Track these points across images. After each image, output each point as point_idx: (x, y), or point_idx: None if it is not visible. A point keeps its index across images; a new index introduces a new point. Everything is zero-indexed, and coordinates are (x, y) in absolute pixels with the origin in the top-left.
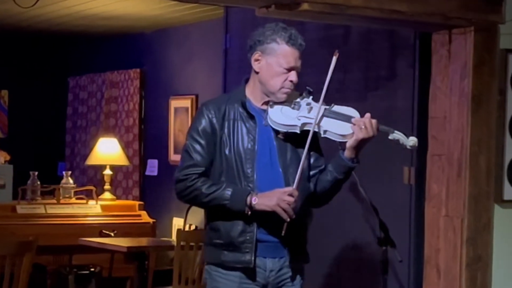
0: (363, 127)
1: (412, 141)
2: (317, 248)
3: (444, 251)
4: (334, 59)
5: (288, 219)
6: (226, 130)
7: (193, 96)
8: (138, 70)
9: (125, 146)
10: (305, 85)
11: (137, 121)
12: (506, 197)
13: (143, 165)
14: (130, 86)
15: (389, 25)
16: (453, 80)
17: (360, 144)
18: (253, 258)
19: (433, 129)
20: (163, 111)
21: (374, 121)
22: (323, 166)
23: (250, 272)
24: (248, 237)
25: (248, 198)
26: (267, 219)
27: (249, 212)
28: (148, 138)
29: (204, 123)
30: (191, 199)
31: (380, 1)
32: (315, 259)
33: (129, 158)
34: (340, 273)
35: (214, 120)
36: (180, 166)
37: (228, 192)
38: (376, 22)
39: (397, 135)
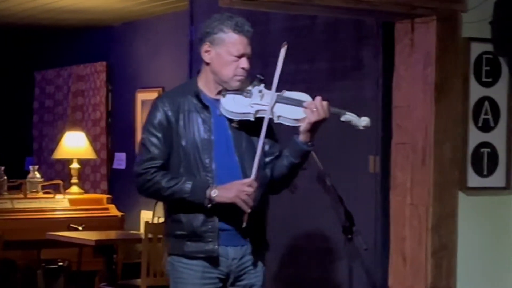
0: (314, 109)
1: (364, 121)
2: (284, 237)
3: (410, 239)
4: (283, 50)
5: (249, 210)
6: (181, 122)
7: (160, 89)
8: (104, 63)
9: (93, 139)
10: (273, 75)
11: (104, 115)
12: (470, 184)
13: (110, 158)
14: (97, 79)
15: (353, 15)
16: (417, 69)
17: (314, 127)
18: (216, 247)
19: (397, 118)
20: (130, 104)
21: (325, 103)
22: (278, 152)
23: (213, 261)
24: (210, 226)
25: (208, 191)
26: (228, 208)
27: (209, 205)
28: (116, 131)
29: (159, 116)
30: (151, 193)
31: None
32: (282, 248)
33: (96, 151)
34: (307, 262)
35: (170, 113)
36: (138, 160)
37: (188, 185)
38: (341, 12)
39: (349, 116)
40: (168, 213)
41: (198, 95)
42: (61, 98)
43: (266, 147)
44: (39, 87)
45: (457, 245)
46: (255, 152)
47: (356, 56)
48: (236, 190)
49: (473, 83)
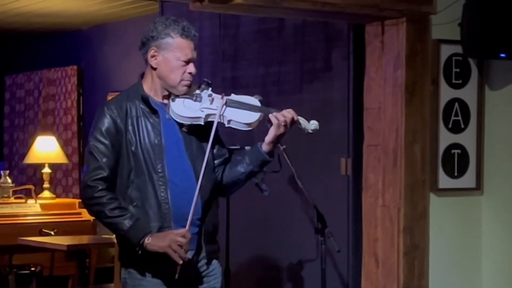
0: (283, 124)
1: (313, 124)
2: (255, 240)
3: (382, 240)
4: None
5: (181, 262)
6: (130, 128)
7: None
8: (75, 67)
9: (64, 144)
10: (243, 77)
11: (75, 119)
12: (441, 185)
13: (82, 162)
14: (68, 83)
15: (323, 17)
16: (387, 71)
17: (278, 139)
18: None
19: (368, 120)
20: None
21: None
22: (227, 155)
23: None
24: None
25: (143, 239)
26: (181, 216)
27: (140, 251)
28: (87, 136)
29: (107, 123)
30: (93, 212)
31: None
32: (254, 251)
33: (68, 156)
34: (280, 265)
35: (118, 120)
36: (86, 170)
37: (128, 224)
38: (310, 14)
39: (299, 119)
40: (120, 244)
41: (145, 100)
42: (32, 102)
43: (214, 151)
44: (9, 91)
45: (429, 246)
46: (204, 156)
47: (326, 58)
48: (169, 240)
49: (443, 85)
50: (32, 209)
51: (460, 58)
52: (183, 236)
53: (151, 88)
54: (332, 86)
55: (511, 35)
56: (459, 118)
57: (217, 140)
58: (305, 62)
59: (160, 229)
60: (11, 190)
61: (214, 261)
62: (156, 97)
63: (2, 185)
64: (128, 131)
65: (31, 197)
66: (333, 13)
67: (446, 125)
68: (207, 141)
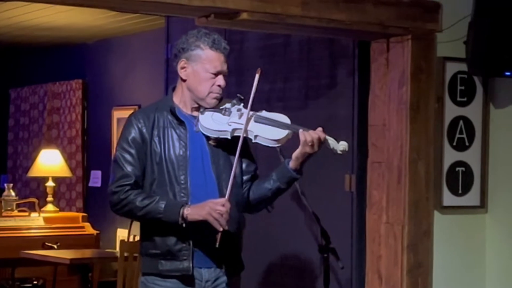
0: (310, 144)
1: (342, 145)
2: (259, 256)
3: (386, 258)
4: (257, 76)
5: (221, 229)
6: (156, 138)
7: (136, 107)
8: (80, 81)
9: (68, 157)
10: (248, 93)
11: (79, 132)
12: (446, 203)
13: (86, 176)
14: (73, 97)
15: (328, 34)
16: (392, 88)
17: (306, 157)
18: (191, 265)
19: (373, 137)
20: (106, 121)
21: (322, 137)
22: (254, 172)
23: (187, 281)
24: (184, 245)
25: (181, 210)
26: (202, 228)
27: (184, 224)
28: (91, 149)
29: (133, 133)
30: (125, 212)
31: (319, 10)
32: (258, 267)
33: (72, 169)
34: (283, 281)
35: (144, 130)
36: (112, 179)
37: (162, 205)
38: (315, 31)
39: (328, 139)
40: (142, 232)
41: (173, 111)
42: (36, 115)
43: (243, 166)
44: (14, 104)
45: (433, 264)
46: (231, 171)
47: (331, 74)
48: (209, 208)
49: (448, 103)
50: (35, 222)
51: (465, 76)
52: (223, 205)
53: (181, 100)
54: (337, 102)
55: None
56: (464, 135)
57: (247, 156)
58: (310, 79)
59: (178, 241)
60: (14, 203)
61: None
62: (185, 109)
63: (5, 198)
64: (153, 141)
65: (34, 210)
66: (338, 30)
67: (450, 142)
68: (234, 157)
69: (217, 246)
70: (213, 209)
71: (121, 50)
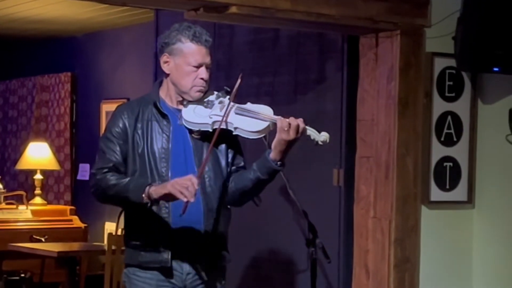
0: (286, 129)
1: (323, 136)
2: (247, 250)
3: (373, 252)
4: (238, 81)
5: (185, 200)
6: (139, 131)
7: (125, 100)
8: (69, 73)
9: (57, 150)
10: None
11: (68, 125)
12: (433, 198)
13: (74, 169)
14: (61, 90)
15: (318, 28)
16: (380, 83)
17: (284, 147)
18: (169, 257)
19: (361, 132)
20: (95, 115)
21: (301, 124)
22: (241, 164)
23: (167, 273)
24: (163, 237)
25: (146, 188)
26: (182, 222)
27: (149, 203)
28: (80, 142)
29: (117, 124)
30: (101, 194)
31: (308, 4)
32: (245, 261)
33: (60, 162)
34: (271, 275)
35: (128, 122)
36: (94, 165)
37: (130, 184)
38: (304, 25)
39: (308, 130)
40: (125, 224)
41: (156, 104)
42: (25, 108)
43: (229, 158)
44: (2, 97)
45: (420, 259)
46: (215, 163)
47: (320, 69)
48: (173, 182)
49: (436, 98)
50: (23, 215)
51: (454, 71)
52: (189, 180)
53: (166, 93)
54: (326, 97)
55: (504, 49)
56: (452, 131)
57: (235, 148)
58: (299, 73)
59: (158, 233)
60: (2, 196)
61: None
62: (170, 102)
63: None
64: (137, 133)
65: (22, 203)
66: (327, 24)
67: (438, 138)
68: (219, 149)
69: (182, 214)
70: (177, 182)
71: (110, 43)
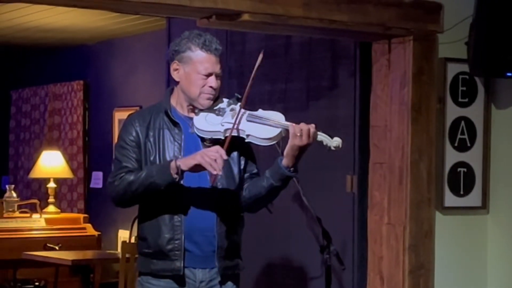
0: (298, 134)
1: (336, 141)
2: (260, 257)
3: (387, 259)
4: (260, 57)
5: (215, 172)
6: (151, 139)
7: (137, 108)
8: (81, 82)
9: (69, 158)
10: (250, 94)
11: (81, 133)
12: (447, 204)
13: (87, 177)
14: (74, 98)
15: (330, 35)
16: (393, 89)
17: (297, 153)
18: (182, 265)
19: (374, 138)
20: (107, 123)
21: (312, 129)
22: (255, 171)
23: (180, 281)
24: (176, 245)
25: (172, 163)
26: (194, 230)
27: (177, 178)
28: (93, 150)
29: (130, 132)
30: (122, 195)
31: (320, 11)
32: (259, 268)
33: (73, 170)
34: (284, 282)
35: (140, 130)
36: (111, 174)
37: (153, 169)
38: (317, 32)
39: (320, 136)
40: (138, 232)
41: (168, 112)
42: (37, 117)
43: (242, 164)
44: (15, 105)
45: (434, 265)
46: (228, 170)
47: (332, 75)
48: (202, 153)
49: (450, 103)
50: (36, 223)
51: (467, 76)
52: (216, 151)
53: (177, 101)
54: (338, 103)
55: None
56: (465, 136)
57: (248, 155)
58: (311, 80)
59: (170, 241)
60: (16, 205)
61: (229, 283)
62: (181, 110)
63: (7, 199)
64: (148, 142)
65: (36, 212)
66: (339, 30)
67: (452, 143)
68: (231, 157)
69: (211, 185)
70: (204, 153)
71: (122, 51)
